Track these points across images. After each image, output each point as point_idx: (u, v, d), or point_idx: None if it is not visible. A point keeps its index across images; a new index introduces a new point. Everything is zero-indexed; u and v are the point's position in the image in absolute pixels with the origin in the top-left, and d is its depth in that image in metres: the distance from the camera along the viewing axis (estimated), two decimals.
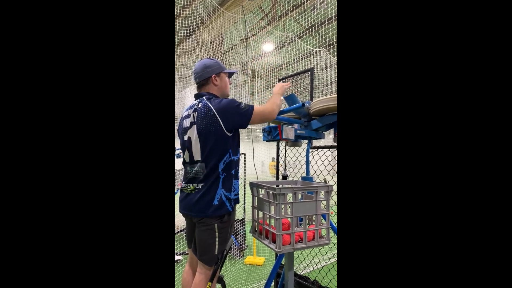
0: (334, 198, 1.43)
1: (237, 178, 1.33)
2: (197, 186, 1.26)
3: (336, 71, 3.84)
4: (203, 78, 1.37)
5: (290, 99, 1.47)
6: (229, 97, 1.40)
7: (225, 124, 1.23)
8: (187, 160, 1.33)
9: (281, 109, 1.44)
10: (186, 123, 1.35)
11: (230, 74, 1.48)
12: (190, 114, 1.33)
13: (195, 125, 1.28)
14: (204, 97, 1.33)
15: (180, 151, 1.41)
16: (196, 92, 1.42)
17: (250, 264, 3.08)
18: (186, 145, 1.33)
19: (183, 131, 1.37)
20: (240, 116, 1.24)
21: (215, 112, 1.23)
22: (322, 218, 1.20)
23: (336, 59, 3.77)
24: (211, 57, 1.51)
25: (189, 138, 1.31)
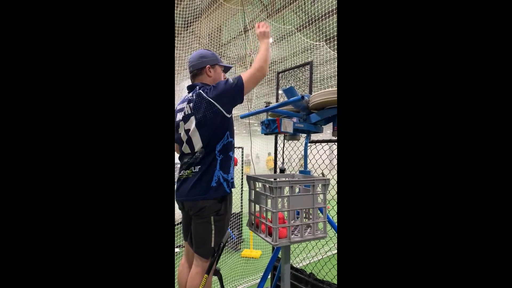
0: (331, 192, 1.43)
1: (233, 160, 1.34)
2: (194, 169, 1.26)
3: (335, 65, 3.81)
4: (197, 68, 1.36)
5: (289, 92, 1.45)
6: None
7: (224, 107, 1.23)
8: (186, 151, 1.32)
9: (280, 102, 1.42)
10: (179, 116, 1.33)
11: (226, 69, 1.46)
12: (184, 107, 1.31)
13: (193, 116, 1.26)
14: (197, 87, 1.32)
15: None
16: (190, 83, 1.40)
17: (247, 257, 3.10)
18: (185, 138, 1.31)
19: (177, 125, 1.35)
20: (234, 92, 1.24)
21: (212, 100, 1.23)
22: (319, 211, 1.20)
23: (335, 53, 3.74)
24: (208, 49, 1.49)
25: (187, 130, 1.29)
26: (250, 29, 4.12)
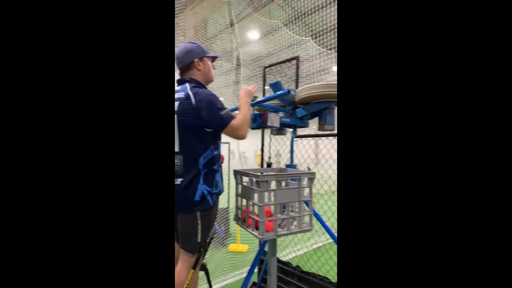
0: (316, 186, 1.44)
1: (218, 171, 1.30)
2: (176, 181, 1.21)
3: (321, 60, 3.83)
4: (186, 63, 1.32)
5: (275, 86, 1.45)
6: (213, 90, 1.36)
7: (203, 120, 1.19)
8: None
9: (266, 96, 1.42)
10: None
11: (214, 58, 1.43)
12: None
13: (175, 115, 1.23)
14: (187, 83, 1.28)
15: None
16: (179, 77, 1.37)
17: (233, 251, 3.11)
18: None
19: None
20: (217, 121, 1.21)
21: (196, 105, 1.19)
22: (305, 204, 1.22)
23: (321, 49, 3.76)
24: (192, 41, 1.46)
25: None
26: (236, 22, 4.07)
